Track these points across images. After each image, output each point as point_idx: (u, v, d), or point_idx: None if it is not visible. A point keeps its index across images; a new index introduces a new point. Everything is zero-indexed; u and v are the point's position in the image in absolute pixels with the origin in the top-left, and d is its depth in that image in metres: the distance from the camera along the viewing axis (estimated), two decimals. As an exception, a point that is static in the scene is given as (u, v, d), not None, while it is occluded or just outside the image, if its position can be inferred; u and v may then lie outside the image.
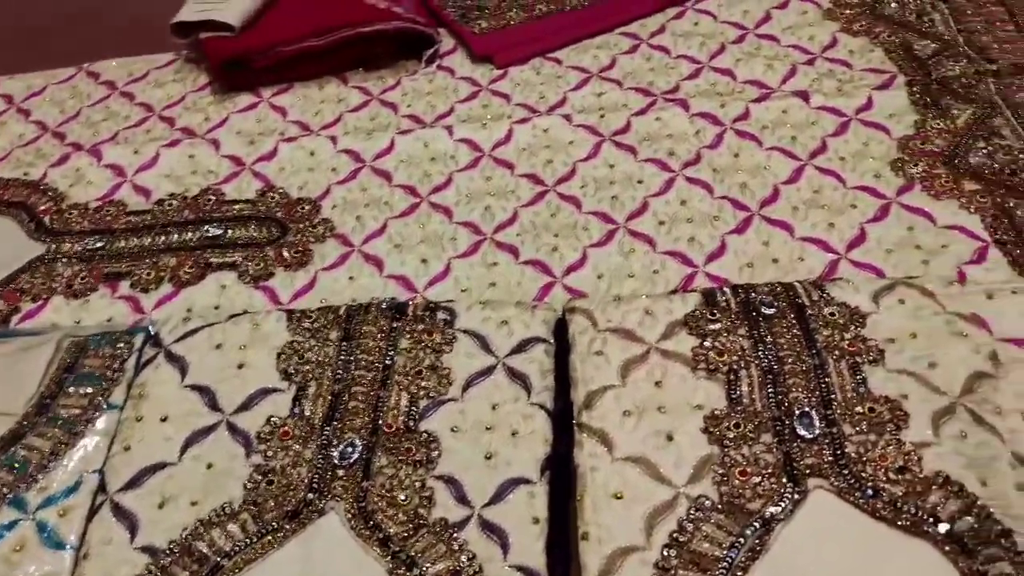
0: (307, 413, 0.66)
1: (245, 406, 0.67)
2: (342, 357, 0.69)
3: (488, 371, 0.68)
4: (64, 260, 0.85)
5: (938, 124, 0.89)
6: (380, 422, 0.65)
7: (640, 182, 0.89)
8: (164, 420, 0.66)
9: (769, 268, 0.78)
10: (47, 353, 0.72)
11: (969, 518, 0.54)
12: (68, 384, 0.70)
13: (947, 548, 0.53)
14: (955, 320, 0.66)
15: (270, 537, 0.59)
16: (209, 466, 0.64)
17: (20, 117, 1.08)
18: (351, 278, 0.83)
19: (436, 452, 0.63)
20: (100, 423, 0.67)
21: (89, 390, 0.69)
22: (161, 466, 0.64)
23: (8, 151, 1.02)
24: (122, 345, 0.72)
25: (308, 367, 0.69)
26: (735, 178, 0.88)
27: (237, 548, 0.59)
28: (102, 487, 0.63)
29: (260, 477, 0.62)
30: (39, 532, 0.61)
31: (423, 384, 0.67)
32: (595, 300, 0.72)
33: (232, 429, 0.66)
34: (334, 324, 0.72)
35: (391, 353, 0.69)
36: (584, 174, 0.91)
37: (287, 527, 0.60)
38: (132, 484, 0.63)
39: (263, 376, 0.69)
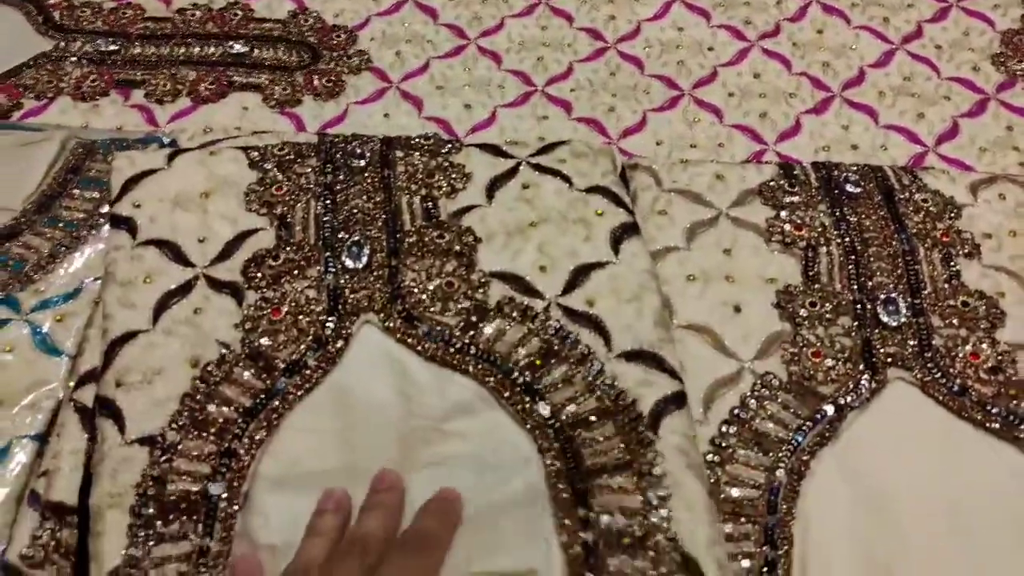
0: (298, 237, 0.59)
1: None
2: (325, 177, 0.62)
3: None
4: (73, 59, 0.77)
5: (1047, 20, 0.80)
6: (397, 225, 0.59)
7: (711, 49, 0.81)
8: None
9: (847, 154, 0.71)
10: (51, 151, 0.65)
11: (1065, 428, 0.49)
12: (72, 186, 0.63)
13: (1038, 457, 0.48)
14: (1060, 221, 0.59)
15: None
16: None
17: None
18: (386, 115, 0.75)
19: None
20: (105, 230, 0.60)
21: (95, 195, 0.62)
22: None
23: (13, -57, 0.92)
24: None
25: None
26: (816, 55, 0.80)
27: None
28: (104, 297, 0.57)
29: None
30: (32, 335, 0.55)
31: (436, 183, 0.62)
32: (658, 161, 0.65)
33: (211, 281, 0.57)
34: (309, 152, 0.64)
35: (387, 171, 0.63)
36: (649, 35, 0.82)
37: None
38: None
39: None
